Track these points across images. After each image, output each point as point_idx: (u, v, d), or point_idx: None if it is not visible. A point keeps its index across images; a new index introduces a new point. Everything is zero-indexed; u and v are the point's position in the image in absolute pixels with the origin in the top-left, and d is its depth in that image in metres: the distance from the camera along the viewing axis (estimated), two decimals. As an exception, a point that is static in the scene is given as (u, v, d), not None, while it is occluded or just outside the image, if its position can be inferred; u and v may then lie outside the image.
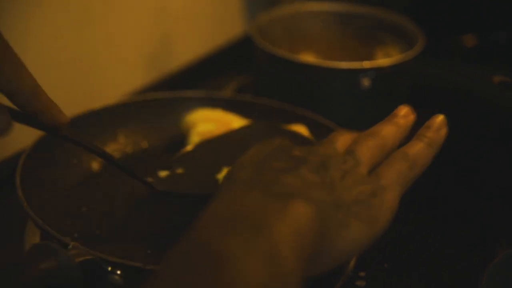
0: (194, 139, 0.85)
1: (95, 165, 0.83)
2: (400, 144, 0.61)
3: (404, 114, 0.62)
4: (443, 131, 0.62)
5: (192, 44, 1.11)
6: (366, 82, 0.95)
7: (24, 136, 0.80)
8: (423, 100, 1.07)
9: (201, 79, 1.08)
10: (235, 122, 0.87)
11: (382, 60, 0.98)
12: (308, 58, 1.03)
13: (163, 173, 0.78)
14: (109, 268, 0.62)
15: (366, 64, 0.96)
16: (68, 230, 0.71)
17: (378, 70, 0.95)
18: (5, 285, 0.55)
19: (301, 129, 0.86)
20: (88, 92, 0.96)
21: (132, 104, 0.89)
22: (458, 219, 0.83)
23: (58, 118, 0.60)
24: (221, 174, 0.73)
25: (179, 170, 0.77)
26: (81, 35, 0.92)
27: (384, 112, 1.01)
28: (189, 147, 0.81)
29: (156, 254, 0.70)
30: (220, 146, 0.80)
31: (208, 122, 0.87)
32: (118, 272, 0.62)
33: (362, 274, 0.72)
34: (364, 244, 0.54)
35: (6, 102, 0.57)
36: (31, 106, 0.58)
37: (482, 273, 0.72)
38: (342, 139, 0.60)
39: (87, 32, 0.93)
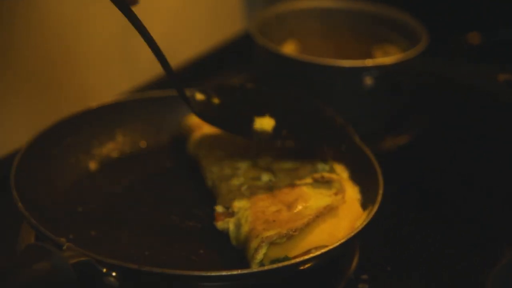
0: (199, 141, 0.84)
1: (93, 164, 0.82)
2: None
3: None
4: None
5: (191, 42, 1.10)
6: (368, 80, 0.94)
7: (20, 135, 0.80)
8: (427, 99, 1.07)
9: (201, 77, 1.07)
10: None
11: (385, 59, 0.97)
12: (309, 56, 1.02)
13: (199, 96, 0.76)
14: (104, 270, 0.61)
15: (369, 63, 0.94)
16: (64, 230, 0.71)
17: (381, 68, 0.94)
18: (-2, 285, 0.55)
19: None
20: (87, 90, 0.95)
21: (131, 103, 0.88)
22: (458, 219, 0.82)
23: None
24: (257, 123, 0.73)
25: (215, 100, 0.76)
26: (79, 33, 0.91)
27: (388, 111, 1.01)
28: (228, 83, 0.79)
29: (154, 256, 0.70)
30: (254, 98, 0.79)
31: None
32: (114, 273, 0.61)
33: (364, 277, 0.71)
34: None
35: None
36: None
37: (482, 273, 0.72)
38: None
39: (84, 30, 0.92)
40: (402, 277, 0.72)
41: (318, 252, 0.65)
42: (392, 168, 0.78)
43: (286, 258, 0.65)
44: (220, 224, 0.73)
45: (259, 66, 1.03)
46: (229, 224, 0.72)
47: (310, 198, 0.72)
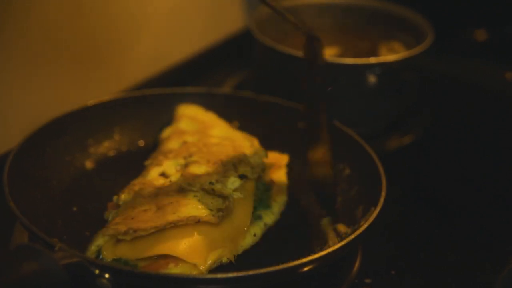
0: (167, 132, 0.83)
1: (89, 163, 0.81)
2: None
3: None
4: None
5: (191, 38, 1.09)
6: (372, 78, 0.92)
7: (16, 133, 0.79)
8: (431, 97, 1.05)
9: (201, 74, 1.06)
10: (216, 128, 0.83)
11: (389, 56, 0.95)
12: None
13: None
14: (97, 271, 0.60)
15: (372, 60, 0.93)
16: (58, 230, 0.69)
17: (385, 66, 0.92)
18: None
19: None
20: (88, 89, 0.94)
21: (129, 100, 0.87)
22: (464, 221, 0.81)
23: None
24: None
25: None
26: (80, 32, 0.91)
27: (391, 110, 1.00)
28: None
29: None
30: None
31: (192, 121, 0.83)
32: (106, 275, 0.60)
33: (368, 280, 0.70)
34: None
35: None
36: None
37: (488, 275, 0.71)
38: None
39: (86, 28, 0.91)
40: (406, 280, 0.71)
41: (318, 255, 0.63)
42: (395, 169, 0.77)
43: (127, 262, 0.64)
44: (106, 214, 0.72)
45: (259, 63, 1.01)
46: (110, 215, 0.70)
47: (185, 206, 0.67)
